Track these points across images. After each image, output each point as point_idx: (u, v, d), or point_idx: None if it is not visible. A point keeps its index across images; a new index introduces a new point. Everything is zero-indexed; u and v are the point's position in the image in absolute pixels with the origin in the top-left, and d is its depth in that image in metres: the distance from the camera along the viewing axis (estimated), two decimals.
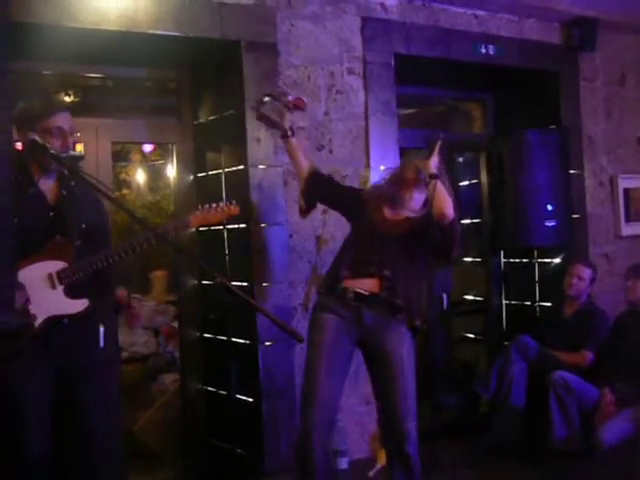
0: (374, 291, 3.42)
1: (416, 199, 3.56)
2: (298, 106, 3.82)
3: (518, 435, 4.67)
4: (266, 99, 3.81)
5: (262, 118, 3.86)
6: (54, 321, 2.85)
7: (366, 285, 3.43)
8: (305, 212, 3.87)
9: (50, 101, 3.09)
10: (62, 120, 2.94)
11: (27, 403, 2.81)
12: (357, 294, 3.42)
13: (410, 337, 3.47)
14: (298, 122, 4.36)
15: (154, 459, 4.95)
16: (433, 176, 3.41)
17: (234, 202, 3.21)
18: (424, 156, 3.53)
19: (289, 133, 3.79)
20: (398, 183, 3.62)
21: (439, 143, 3.49)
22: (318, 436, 3.33)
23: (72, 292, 2.89)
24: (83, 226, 2.99)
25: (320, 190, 3.78)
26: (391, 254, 3.44)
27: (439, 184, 3.39)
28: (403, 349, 3.41)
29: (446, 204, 3.38)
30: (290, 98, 3.79)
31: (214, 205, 3.14)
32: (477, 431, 4.85)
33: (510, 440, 4.66)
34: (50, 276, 2.84)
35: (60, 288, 2.86)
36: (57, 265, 2.86)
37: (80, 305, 2.92)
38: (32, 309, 2.78)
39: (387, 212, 3.58)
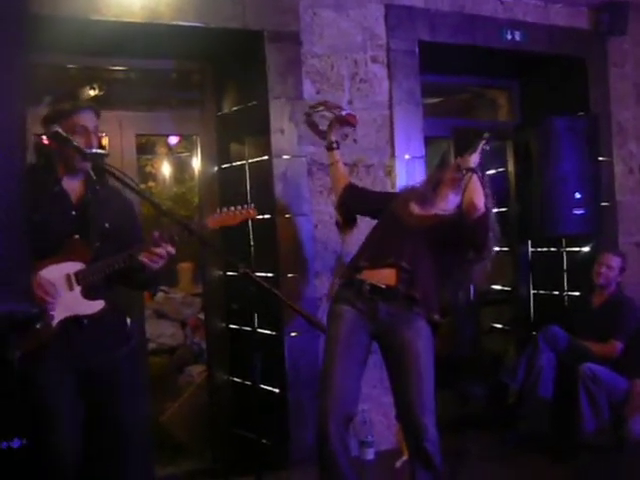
0: (390, 284, 3.36)
1: (450, 200, 3.54)
2: (349, 122, 3.82)
3: (546, 427, 4.63)
4: (320, 107, 3.85)
5: (311, 125, 3.91)
6: (72, 322, 2.86)
7: (383, 277, 3.36)
8: (344, 228, 3.89)
9: (75, 99, 3.09)
10: (86, 119, 2.94)
11: (55, 405, 2.83)
12: (373, 287, 3.36)
13: (428, 331, 3.38)
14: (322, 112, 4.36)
15: (181, 449, 4.98)
16: (470, 170, 3.39)
17: (252, 205, 3.20)
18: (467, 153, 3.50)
19: (334, 145, 3.81)
20: (434, 182, 3.62)
21: (483, 142, 3.46)
22: (335, 429, 3.28)
23: (89, 293, 2.90)
24: (106, 225, 2.98)
25: (355, 201, 3.78)
26: (412, 246, 3.39)
27: (474, 178, 3.36)
28: (419, 344, 3.33)
29: (477, 195, 3.33)
30: (343, 113, 3.79)
31: (232, 208, 3.13)
32: (504, 422, 4.81)
33: (538, 432, 4.62)
34: (68, 277, 2.85)
35: (78, 289, 2.87)
36: (75, 266, 2.87)
37: (97, 306, 2.93)
38: (50, 309, 2.80)
39: (414, 207, 3.54)
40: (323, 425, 3.30)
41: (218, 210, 3.14)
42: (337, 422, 3.30)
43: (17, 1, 1.60)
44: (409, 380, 3.30)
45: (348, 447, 3.40)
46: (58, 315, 2.82)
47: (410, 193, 3.66)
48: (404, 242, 3.40)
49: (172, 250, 2.91)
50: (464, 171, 3.40)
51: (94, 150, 2.94)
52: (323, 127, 3.89)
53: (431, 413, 3.30)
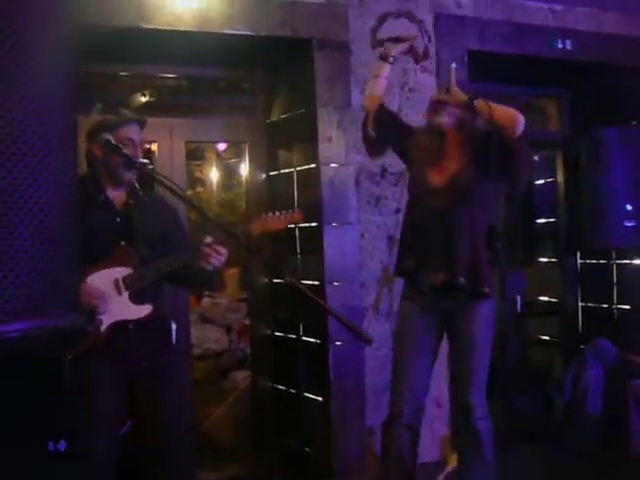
0: (445, 281, 3.32)
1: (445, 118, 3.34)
2: (417, 55, 3.72)
3: (593, 443, 4.55)
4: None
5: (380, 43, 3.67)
6: (120, 326, 2.91)
7: (436, 277, 3.33)
8: (375, 151, 3.70)
9: (120, 111, 3.15)
10: (132, 132, 3.00)
11: (102, 410, 2.87)
12: (431, 286, 3.34)
13: (486, 311, 3.37)
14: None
15: (224, 455, 4.99)
16: (473, 98, 3.22)
17: (297, 209, 3.22)
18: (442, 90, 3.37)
19: (390, 60, 3.54)
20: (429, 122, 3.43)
21: (453, 70, 3.31)
22: (407, 419, 3.34)
23: (137, 298, 2.95)
24: (152, 232, 3.04)
25: (386, 124, 3.55)
26: (450, 236, 3.29)
27: (488, 102, 3.18)
28: (477, 327, 3.34)
29: (508, 111, 3.18)
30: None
31: (277, 213, 3.16)
32: (551, 437, 4.74)
33: (585, 448, 4.54)
34: (116, 282, 2.90)
35: (126, 294, 2.92)
36: (123, 271, 2.92)
37: (144, 310, 2.98)
38: (99, 314, 2.85)
39: (432, 176, 3.36)
40: (395, 414, 3.36)
41: (264, 214, 3.16)
42: (409, 412, 3.35)
43: (62, 8, 1.62)
44: (465, 362, 3.34)
45: (417, 440, 3.44)
46: (107, 320, 2.87)
47: (423, 153, 3.46)
48: (439, 235, 3.30)
49: (224, 252, 2.95)
50: (474, 101, 3.21)
51: (140, 160, 2.99)
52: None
53: (483, 392, 3.32)
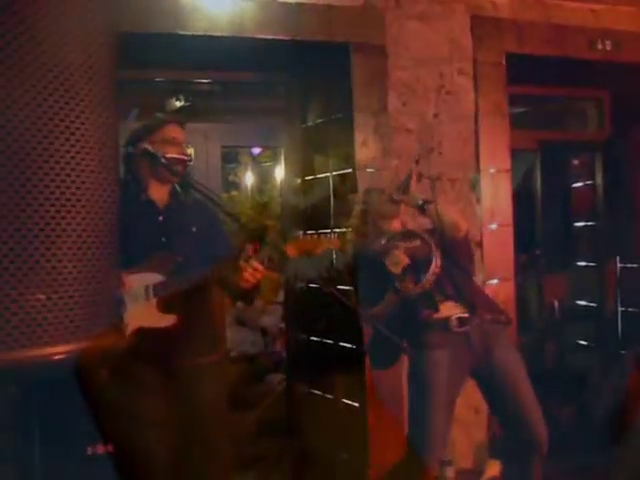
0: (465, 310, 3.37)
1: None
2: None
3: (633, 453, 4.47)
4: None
5: None
6: (144, 333, 2.88)
7: (454, 309, 3.37)
8: None
9: (158, 116, 3.16)
10: (175, 131, 3.03)
11: (143, 416, 2.90)
12: (459, 319, 3.34)
13: (505, 332, 3.42)
14: (407, 124, 4.33)
15: (258, 459, 4.99)
16: (426, 203, 3.38)
17: (335, 234, 3.21)
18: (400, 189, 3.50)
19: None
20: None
21: (414, 176, 3.56)
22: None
23: (164, 306, 2.93)
24: (194, 230, 3.05)
25: None
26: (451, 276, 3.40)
27: (438, 207, 3.36)
28: (512, 348, 3.41)
29: (458, 221, 3.41)
30: None
31: (314, 236, 3.13)
32: (589, 447, 4.66)
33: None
34: (147, 288, 2.90)
35: (153, 301, 2.90)
36: (155, 278, 2.91)
37: (169, 320, 2.94)
38: (125, 317, 2.84)
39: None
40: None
41: (300, 235, 3.15)
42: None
43: (105, 18, 1.63)
44: (521, 390, 3.38)
45: None
46: (132, 324, 2.86)
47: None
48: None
49: (261, 269, 2.92)
50: (425, 206, 3.38)
51: (183, 158, 3.01)
52: None
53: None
